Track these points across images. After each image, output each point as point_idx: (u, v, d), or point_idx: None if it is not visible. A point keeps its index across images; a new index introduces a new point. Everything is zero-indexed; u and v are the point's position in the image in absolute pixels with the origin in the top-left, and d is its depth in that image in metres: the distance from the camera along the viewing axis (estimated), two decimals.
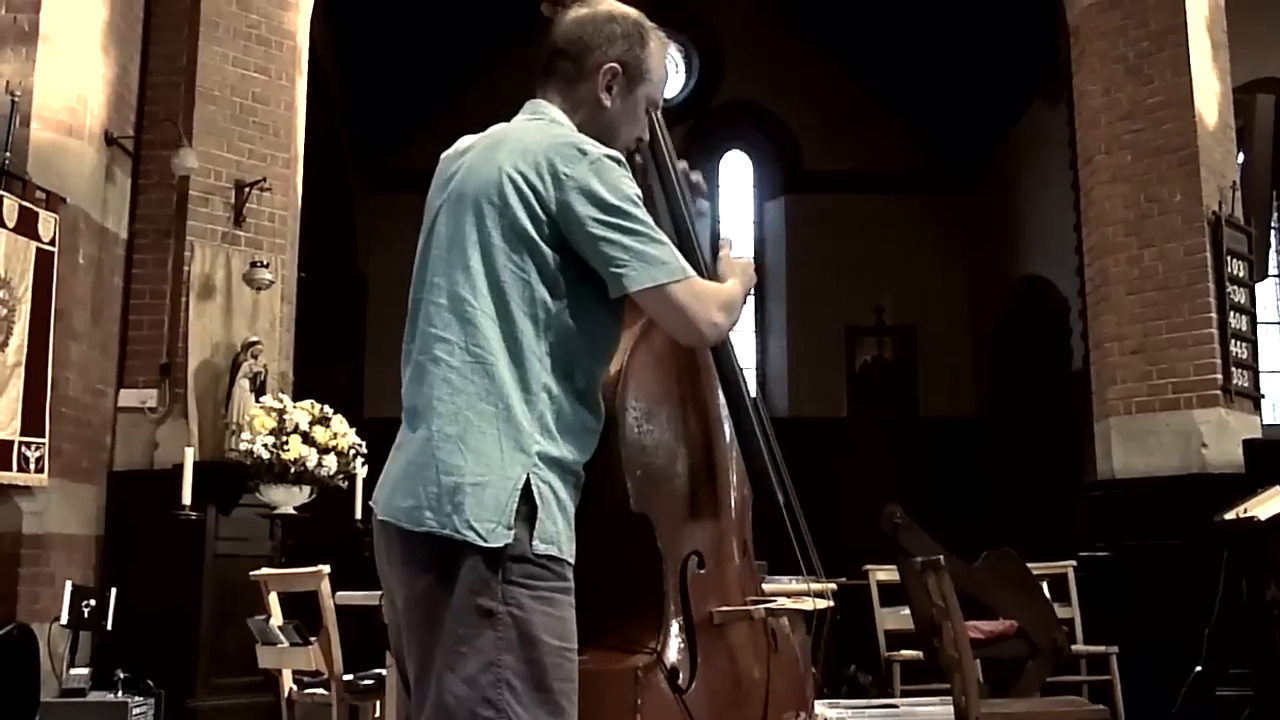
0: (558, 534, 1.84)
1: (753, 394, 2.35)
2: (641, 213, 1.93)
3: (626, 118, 2.10)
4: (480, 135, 2.09)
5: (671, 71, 2.21)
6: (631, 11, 2.14)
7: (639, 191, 1.96)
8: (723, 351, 2.31)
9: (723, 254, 2.24)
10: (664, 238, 1.95)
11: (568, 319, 1.91)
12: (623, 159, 1.97)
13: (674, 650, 2.08)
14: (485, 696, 1.75)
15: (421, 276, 2.00)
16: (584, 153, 1.92)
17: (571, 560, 1.87)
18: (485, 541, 1.78)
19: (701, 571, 2.17)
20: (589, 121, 2.05)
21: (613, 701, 1.97)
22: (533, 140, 1.96)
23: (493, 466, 1.81)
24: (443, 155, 2.13)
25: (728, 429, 2.35)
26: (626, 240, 1.89)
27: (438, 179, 2.09)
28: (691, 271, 1.96)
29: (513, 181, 1.91)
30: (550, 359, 1.89)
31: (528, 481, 1.82)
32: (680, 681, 2.06)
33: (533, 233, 1.89)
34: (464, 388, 1.86)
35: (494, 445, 1.82)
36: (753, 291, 2.23)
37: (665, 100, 2.31)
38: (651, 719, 2.00)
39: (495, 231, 1.91)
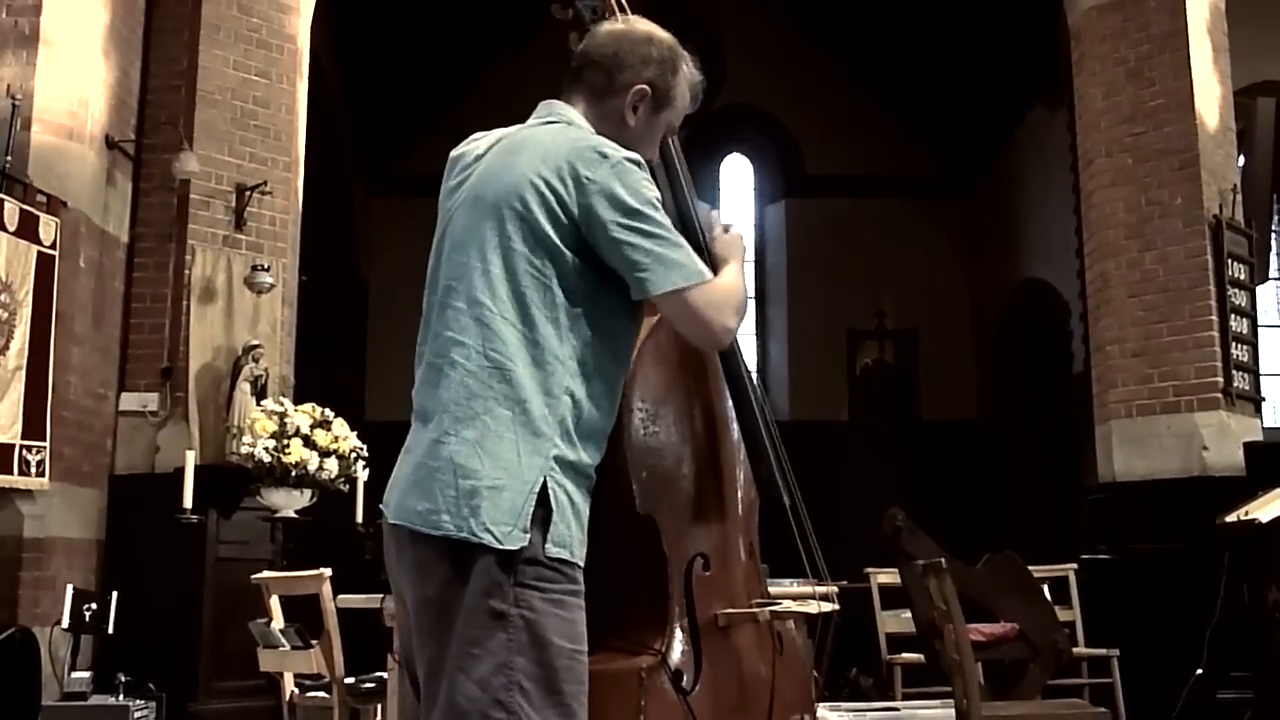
0: (570, 538, 1.85)
1: (758, 395, 2.35)
2: (661, 216, 1.94)
3: (645, 138, 2.11)
4: (493, 135, 2.09)
5: (695, 100, 2.21)
6: (668, 36, 2.14)
7: (659, 195, 1.97)
8: (730, 352, 2.31)
9: (716, 232, 2.24)
10: (682, 241, 1.96)
11: (587, 323, 1.92)
12: (642, 161, 1.98)
13: (678, 652, 2.07)
14: (497, 698, 1.76)
15: (436, 278, 2.00)
16: (605, 156, 1.93)
17: (582, 563, 1.87)
18: (501, 544, 1.78)
19: (707, 573, 2.17)
20: (609, 135, 2.05)
21: (617, 702, 1.97)
22: (553, 144, 1.96)
23: (510, 470, 1.82)
24: (452, 154, 2.13)
25: (735, 430, 2.34)
26: (648, 244, 1.90)
27: (449, 179, 2.09)
28: (709, 274, 1.98)
29: (534, 186, 1.91)
30: (574, 362, 1.90)
31: (544, 485, 1.82)
32: (684, 683, 2.05)
33: (555, 237, 1.90)
34: (481, 392, 1.86)
35: (511, 449, 1.83)
36: (754, 295, 2.25)
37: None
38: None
39: (516, 236, 1.91)
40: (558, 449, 1.85)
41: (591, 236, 1.91)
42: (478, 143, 2.10)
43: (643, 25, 2.15)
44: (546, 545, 1.81)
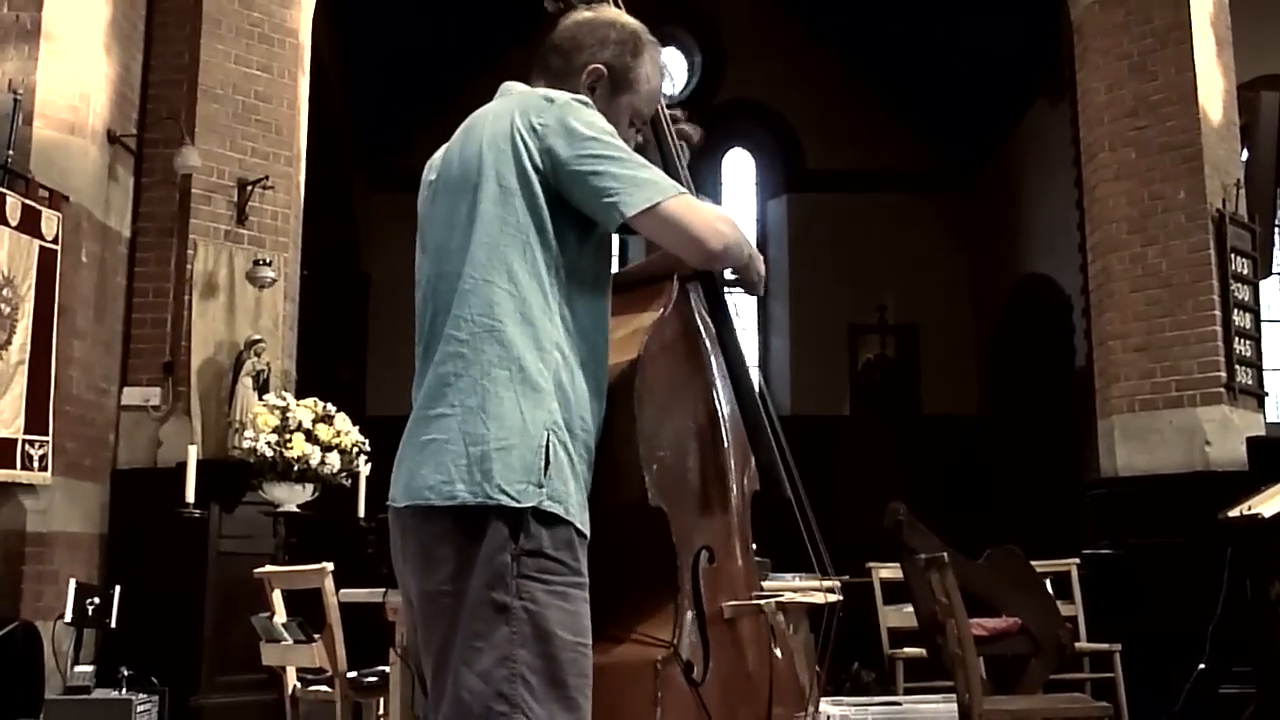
0: (567, 495, 1.84)
1: (759, 386, 2.35)
2: (619, 141, 1.94)
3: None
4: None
5: (666, 85, 2.22)
6: (633, 22, 2.15)
7: (613, 129, 1.97)
8: (731, 345, 2.31)
9: None
10: (648, 163, 1.97)
11: (568, 277, 1.92)
12: (589, 101, 1.99)
13: (689, 644, 2.08)
14: (500, 691, 1.76)
15: (422, 273, 2.02)
16: (551, 100, 1.95)
17: (583, 529, 1.86)
18: (518, 502, 1.78)
19: (712, 565, 2.17)
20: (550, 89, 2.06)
21: (632, 694, 1.97)
22: (504, 107, 2.00)
23: (515, 429, 1.82)
24: (428, 163, 2.15)
25: (736, 422, 2.35)
26: (613, 169, 1.90)
27: (424, 183, 2.11)
28: (683, 188, 1.97)
29: (496, 147, 1.93)
30: (560, 319, 1.90)
31: (547, 441, 1.82)
32: (695, 674, 2.06)
33: (523, 191, 1.91)
34: (476, 359, 1.86)
35: (513, 409, 1.83)
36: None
37: (668, 97, 2.31)
38: (670, 711, 1.99)
39: (489, 200, 1.92)
40: (556, 404, 1.86)
41: (558, 180, 1.91)
42: (447, 144, 2.12)
43: (610, 12, 2.17)
44: (542, 500, 1.80)
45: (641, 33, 2.14)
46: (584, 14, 2.14)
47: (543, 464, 1.81)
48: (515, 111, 1.95)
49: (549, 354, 1.87)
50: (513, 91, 2.07)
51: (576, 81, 2.08)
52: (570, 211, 1.92)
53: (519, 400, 1.83)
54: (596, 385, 1.97)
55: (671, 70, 2.23)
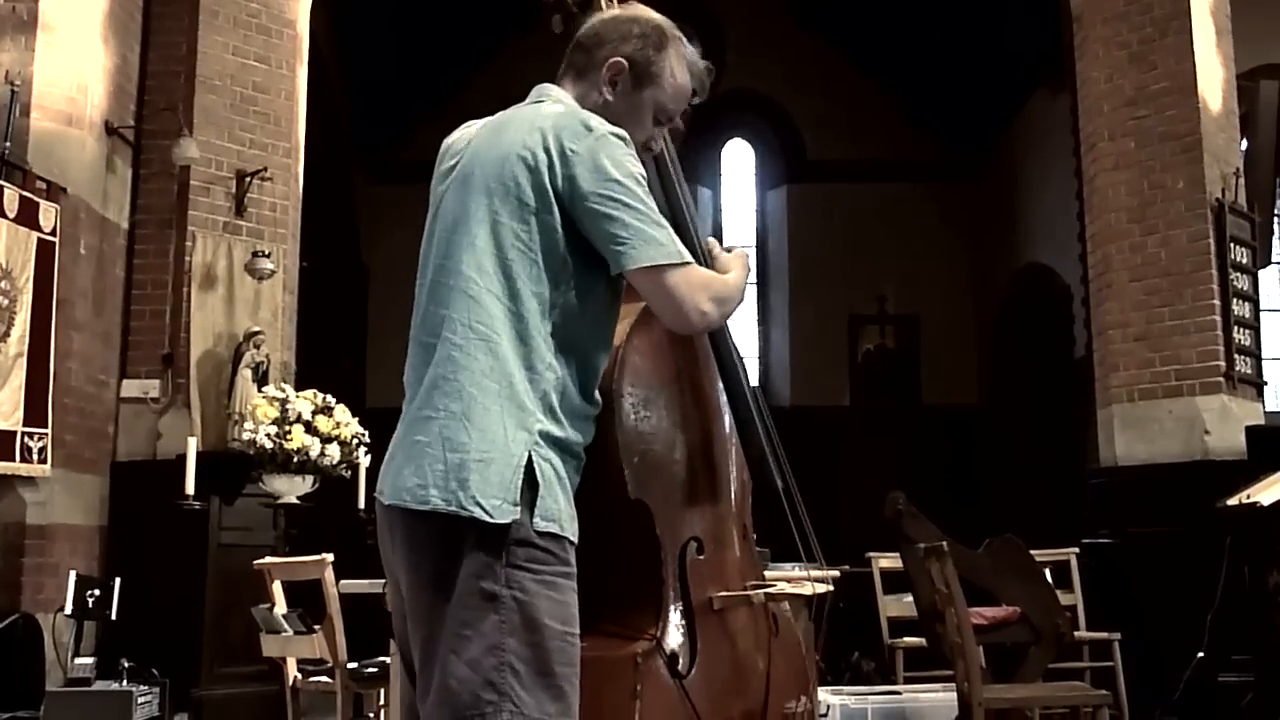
0: (559, 512, 1.84)
1: (751, 382, 2.35)
2: (644, 192, 1.93)
3: (630, 118, 2.08)
4: (484, 120, 2.10)
5: (702, 88, 2.19)
6: (657, 17, 2.14)
7: (643, 171, 1.96)
8: (721, 339, 2.31)
9: (716, 254, 2.23)
10: (664, 221, 1.95)
11: (573, 299, 1.91)
12: (627, 137, 1.97)
13: (673, 636, 2.08)
14: (488, 679, 1.76)
15: (426, 261, 2.01)
16: (590, 129, 1.93)
17: (574, 539, 1.87)
18: (491, 518, 1.78)
19: (701, 557, 2.17)
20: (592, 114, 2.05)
21: (613, 687, 1.97)
22: (538, 118, 1.97)
23: (497, 443, 1.81)
24: (445, 141, 2.14)
25: (727, 415, 2.34)
26: (627, 217, 1.89)
27: (440, 165, 2.09)
28: (689, 257, 1.96)
29: (521, 159, 1.91)
30: (555, 339, 1.89)
31: (530, 459, 1.82)
32: (680, 667, 2.06)
33: (541, 210, 1.90)
34: (467, 364, 1.86)
35: (497, 422, 1.82)
36: (756, 281, 2.24)
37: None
38: (651, 704, 1.99)
39: (503, 210, 1.91)
40: (541, 424, 1.85)
41: (573, 208, 1.90)
42: (470, 129, 2.11)
43: (634, 8, 2.16)
44: (535, 520, 1.80)
45: (666, 27, 2.13)
46: (611, 11, 2.14)
47: (520, 483, 1.80)
48: (549, 128, 1.93)
49: (540, 374, 1.87)
50: (549, 98, 2.06)
51: (598, 76, 2.07)
52: (580, 234, 1.92)
53: (504, 415, 1.83)
54: (593, 400, 1.97)
55: (709, 66, 2.18)
